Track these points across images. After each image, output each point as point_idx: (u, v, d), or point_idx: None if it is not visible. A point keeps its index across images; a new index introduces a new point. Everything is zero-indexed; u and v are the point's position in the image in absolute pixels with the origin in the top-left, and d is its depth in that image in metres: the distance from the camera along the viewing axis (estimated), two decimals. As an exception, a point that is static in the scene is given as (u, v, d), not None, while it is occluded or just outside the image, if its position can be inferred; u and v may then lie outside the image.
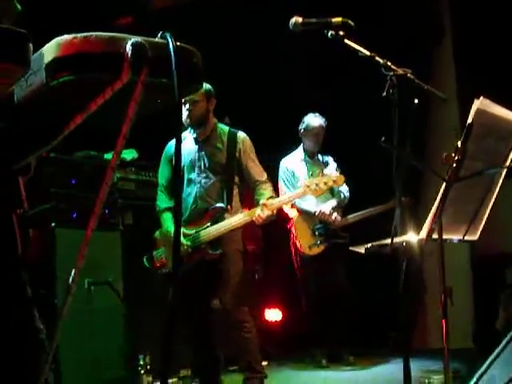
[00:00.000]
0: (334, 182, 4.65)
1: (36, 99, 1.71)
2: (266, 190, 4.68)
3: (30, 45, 1.57)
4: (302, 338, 6.48)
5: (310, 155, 6.44)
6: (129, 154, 5.72)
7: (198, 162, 4.72)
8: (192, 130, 4.77)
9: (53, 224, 4.75)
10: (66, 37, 1.59)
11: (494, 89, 3.30)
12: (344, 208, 6.37)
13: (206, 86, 4.65)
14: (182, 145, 4.77)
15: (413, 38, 6.79)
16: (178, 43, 1.68)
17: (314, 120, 6.33)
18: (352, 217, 6.28)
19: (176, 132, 1.81)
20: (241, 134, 4.79)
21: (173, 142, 4.84)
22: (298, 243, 6.19)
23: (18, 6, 2.57)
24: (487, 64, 6.25)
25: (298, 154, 6.48)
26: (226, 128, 4.82)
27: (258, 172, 4.75)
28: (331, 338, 6.34)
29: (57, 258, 4.68)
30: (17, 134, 1.95)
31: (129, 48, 1.57)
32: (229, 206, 4.61)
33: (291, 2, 6.24)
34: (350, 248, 4.24)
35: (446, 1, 7.12)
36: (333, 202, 6.20)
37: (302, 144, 6.48)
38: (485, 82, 5.09)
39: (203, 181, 4.69)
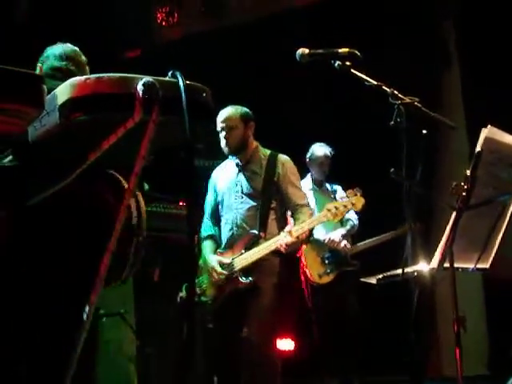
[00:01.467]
0: (353, 204, 4.64)
1: (50, 139, 1.74)
2: (304, 214, 4.56)
3: (44, 87, 1.60)
4: (314, 366, 6.44)
5: (318, 184, 6.44)
6: (140, 187, 5.74)
7: (236, 188, 4.62)
8: (231, 156, 4.68)
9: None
10: (79, 78, 1.63)
11: (502, 115, 3.32)
12: (354, 236, 6.36)
13: (243, 109, 4.62)
14: (223, 171, 4.76)
15: (420, 66, 6.82)
16: (188, 81, 1.71)
17: (318, 149, 6.34)
18: (362, 244, 6.26)
19: (189, 167, 1.83)
20: (281, 157, 4.69)
21: (217, 170, 4.83)
22: (307, 272, 6.17)
23: None
24: (495, 90, 6.27)
25: (306, 183, 6.48)
26: (268, 151, 4.72)
27: (298, 196, 4.65)
28: (343, 367, 6.29)
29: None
30: (31, 172, 1.99)
31: (140, 88, 1.61)
32: (262, 233, 4.51)
33: (299, 32, 6.32)
34: (362, 279, 4.23)
35: (453, 28, 7.16)
36: (342, 230, 6.19)
37: (309, 173, 6.49)
38: (493, 109, 5.11)
39: (240, 206, 4.58)
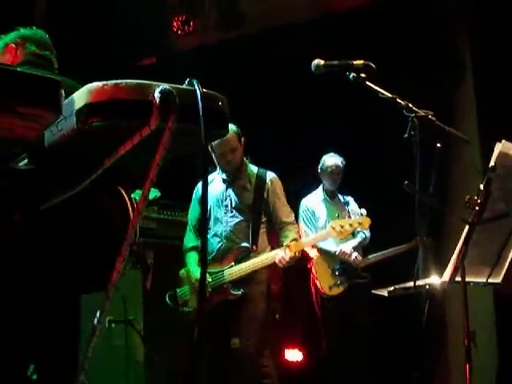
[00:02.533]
0: (360, 224, 4.65)
1: (66, 143, 1.75)
2: (291, 231, 4.68)
3: (62, 91, 1.61)
4: (322, 378, 6.41)
5: (330, 195, 6.43)
6: (151, 193, 5.75)
7: (225, 202, 4.72)
8: (221, 172, 4.77)
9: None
10: (97, 84, 1.64)
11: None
12: (365, 248, 6.35)
13: (235, 127, 4.63)
14: (211, 184, 4.81)
15: (434, 79, 6.81)
16: (205, 90, 1.72)
17: (329, 159, 6.34)
18: (373, 256, 6.25)
19: (203, 175, 1.83)
20: (270, 174, 4.79)
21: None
22: (318, 283, 6.16)
23: None
24: (508, 104, 6.25)
25: (318, 194, 6.48)
26: (255, 168, 4.82)
27: (285, 213, 4.75)
28: (351, 379, 6.26)
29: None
30: (46, 176, 2.00)
31: (157, 95, 1.61)
32: (254, 246, 4.60)
33: (314, 43, 6.33)
34: (373, 291, 4.22)
35: (468, 40, 7.15)
36: (353, 242, 6.18)
37: (322, 184, 6.49)
38: (506, 123, 5.09)
39: (229, 220, 4.69)
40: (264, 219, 4.71)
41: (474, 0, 6.91)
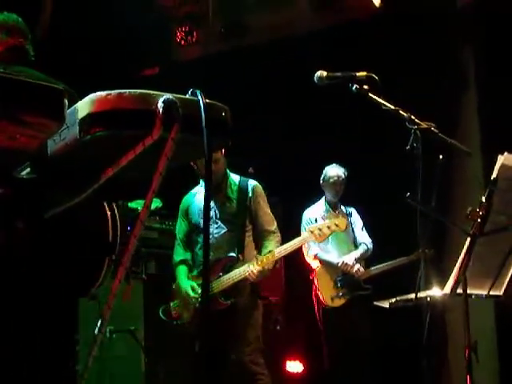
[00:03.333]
0: (337, 225, 4.66)
1: (69, 153, 1.75)
2: (271, 242, 4.68)
3: (66, 101, 1.61)
4: (323, 390, 6.39)
5: (333, 206, 6.43)
6: (153, 203, 5.75)
7: (210, 213, 4.68)
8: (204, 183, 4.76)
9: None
10: (100, 93, 1.64)
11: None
12: (367, 260, 6.34)
13: None
14: (195, 197, 4.83)
15: (436, 90, 6.82)
16: (208, 100, 1.72)
17: (331, 170, 6.35)
18: (375, 268, 6.23)
19: (206, 183, 1.84)
20: (252, 182, 4.80)
21: (187, 197, 4.90)
22: (320, 294, 6.15)
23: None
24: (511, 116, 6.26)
25: (320, 205, 6.48)
26: (237, 177, 4.83)
27: (267, 221, 4.76)
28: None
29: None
30: (48, 185, 2.00)
31: (160, 105, 1.61)
32: (240, 256, 4.61)
33: (317, 55, 6.35)
34: (375, 303, 4.21)
35: (471, 53, 7.16)
36: (356, 254, 6.17)
37: (324, 195, 6.49)
38: (509, 134, 5.09)
39: (215, 231, 4.69)
40: (249, 227, 4.73)
41: (477, 13, 6.93)
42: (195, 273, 4.73)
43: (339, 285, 6.08)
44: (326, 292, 6.11)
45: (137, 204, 5.32)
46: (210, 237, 4.67)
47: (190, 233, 4.82)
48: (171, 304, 4.83)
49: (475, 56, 7.11)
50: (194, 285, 4.61)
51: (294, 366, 7.29)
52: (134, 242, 1.81)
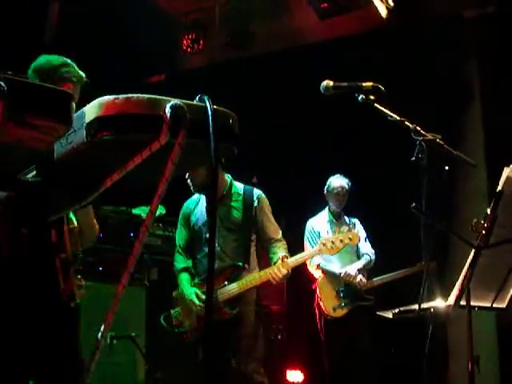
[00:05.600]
0: (350, 239, 4.67)
1: (75, 156, 1.74)
2: (280, 248, 4.67)
3: (73, 104, 1.61)
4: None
5: (336, 216, 6.43)
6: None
7: None
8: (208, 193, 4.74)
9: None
10: (108, 97, 1.63)
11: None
12: (370, 270, 6.33)
13: None
14: (199, 205, 4.82)
15: (442, 103, 6.83)
16: (215, 106, 1.71)
17: (335, 181, 6.35)
18: (377, 279, 6.22)
19: (212, 188, 1.83)
20: (257, 192, 4.79)
21: (188, 203, 4.88)
22: (322, 304, 6.14)
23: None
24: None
25: (323, 215, 6.48)
26: (241, 186, 4.82)
27: (273, 230, 4.75)
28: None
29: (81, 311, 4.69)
30: (53, 188, 2.00)
31: (168, 110, 1.61)
32: (246, 265, 4.60)
33: (323, 65, 6.35)
34: (378, 313, 4.20)
35: (475, 66, 7.18)
36: (358, 264, 6.16)
37: (328, 205, 6.49)
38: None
39: (220, 240, 4.64)
40: (253, 237, 4.72)
41: (482, 26, 6.95)
42: (197, 280, 4.71)
43: (341, 295, 6.06)
44: (327, 302, 6.10)
45: (140, 210, 5.33)
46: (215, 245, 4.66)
47: (191, 240, 4.81)
48: (172, 311, 4.81)
49: (480, 68, 7.12)
50: (199, 292, 4.60)
51: (295, 376, 7.28)
52: (139, 248, 1.81)
